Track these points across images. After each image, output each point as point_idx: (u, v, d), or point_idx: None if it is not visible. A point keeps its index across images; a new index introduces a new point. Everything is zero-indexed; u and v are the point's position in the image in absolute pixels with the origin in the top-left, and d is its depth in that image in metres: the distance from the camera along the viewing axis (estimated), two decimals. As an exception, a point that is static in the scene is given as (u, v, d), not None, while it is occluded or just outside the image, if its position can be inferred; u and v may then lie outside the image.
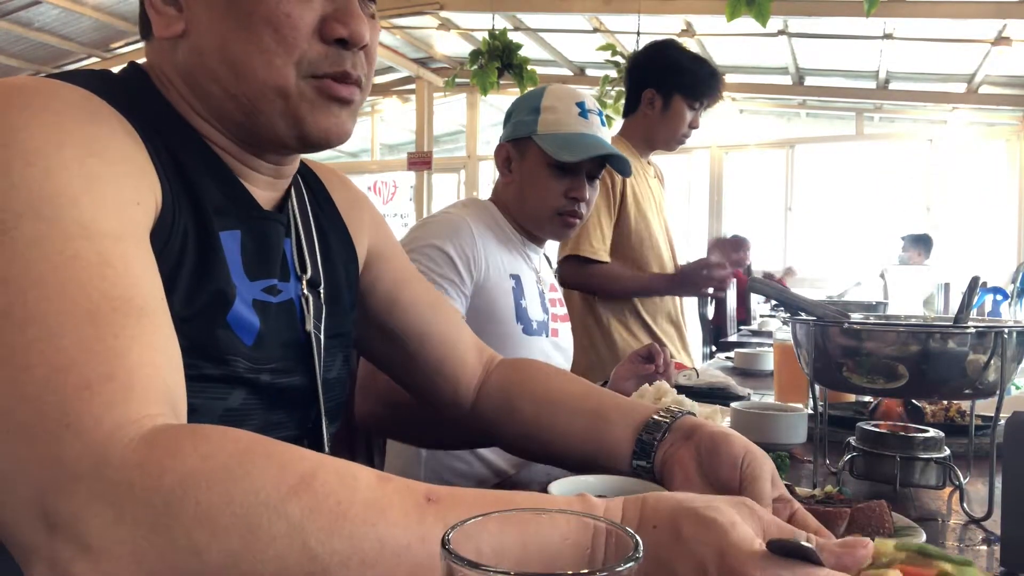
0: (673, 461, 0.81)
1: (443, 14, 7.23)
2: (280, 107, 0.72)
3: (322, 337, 0.82)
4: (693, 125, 2.35)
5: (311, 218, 0.87)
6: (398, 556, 0.47)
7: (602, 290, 2.28)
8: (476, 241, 1.46)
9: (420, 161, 8.90)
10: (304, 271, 0.82)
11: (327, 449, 0.84)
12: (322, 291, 0.83)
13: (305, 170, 0.91)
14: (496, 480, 1.48)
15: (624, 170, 1.60)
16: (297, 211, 0.84)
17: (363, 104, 0.79)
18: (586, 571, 0.38)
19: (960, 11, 5.70)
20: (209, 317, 0.67)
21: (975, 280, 1.03)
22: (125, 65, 0.76)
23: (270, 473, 0.47)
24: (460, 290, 1.43)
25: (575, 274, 2.23)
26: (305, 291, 0.81)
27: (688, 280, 2.27)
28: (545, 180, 1.53)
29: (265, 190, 0.79)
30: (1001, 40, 6.25)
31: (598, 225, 2.21)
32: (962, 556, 0.59)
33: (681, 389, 1.62)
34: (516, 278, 1.54)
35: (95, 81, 0.67)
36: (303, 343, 0.80)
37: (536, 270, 1.63)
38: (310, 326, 0.80)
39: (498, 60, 5.93)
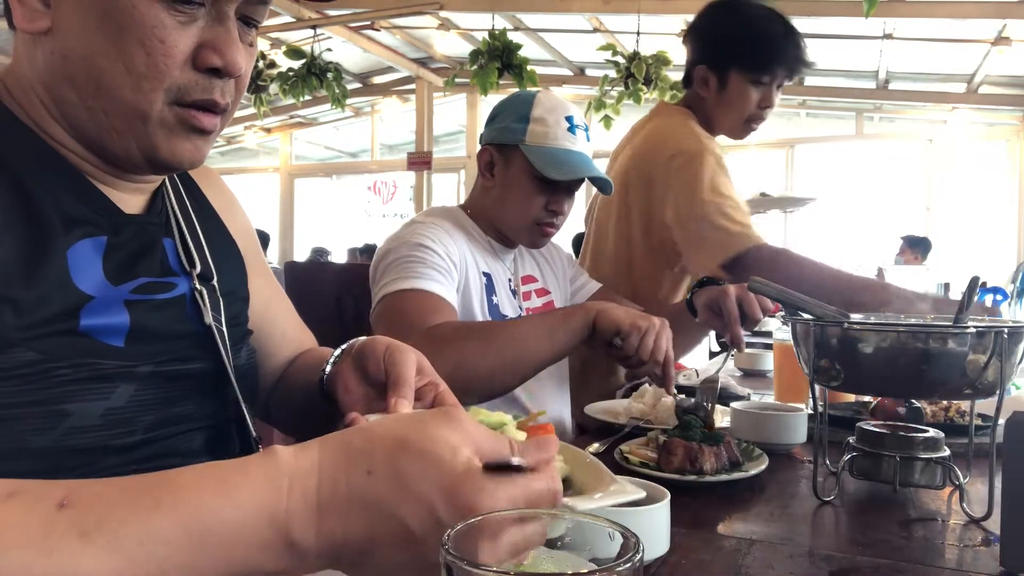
0: (336, 376, 0.85)
1: (443, 14, 7.22)
2: (137, 130, 0.70)
3: (224, 328, 0.82)
4: (765, 104, 1.89)
5: (192, 216, 0.87)
6: None
7: (791, 278, 1.45)
8: (454, 243, 1.51)
9: (420, 161, 8.90)
10: (192, 266, 0.82)
11: (253, 433, 0.86)
12: (216, 284, 0.84)
13: None
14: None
15: (606, 190, 1.57)
16: (178, 209, 0.84)
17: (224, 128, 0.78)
18: (585, 571, 0.37)
19: (960, 11, 5.70)
20: (55, 330, 0.65)
21: (975, 280, 1.03)
22: None
23: None
24: (452, 277, 1.46)
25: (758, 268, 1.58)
26: (197, 285, 0.81)
27: None
28: (528, 190, 1.55)
29: (130, 194, 0.78)
30: (1001, 40, 6.25)
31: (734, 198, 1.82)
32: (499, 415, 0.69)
33: (681, 389, 1.62)
34: (487, 276, 1.58)
35: None
36: (203, 334, 0.80)
37: (507, 267, 1.67)
38: (208, 319, 0.80)
39: (498, 60, 5.94)
